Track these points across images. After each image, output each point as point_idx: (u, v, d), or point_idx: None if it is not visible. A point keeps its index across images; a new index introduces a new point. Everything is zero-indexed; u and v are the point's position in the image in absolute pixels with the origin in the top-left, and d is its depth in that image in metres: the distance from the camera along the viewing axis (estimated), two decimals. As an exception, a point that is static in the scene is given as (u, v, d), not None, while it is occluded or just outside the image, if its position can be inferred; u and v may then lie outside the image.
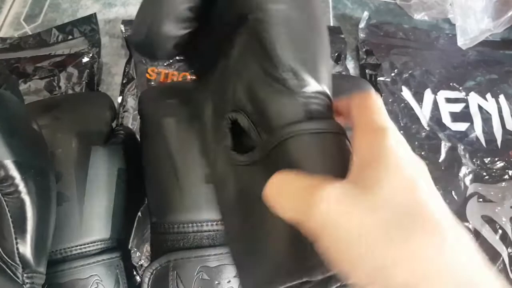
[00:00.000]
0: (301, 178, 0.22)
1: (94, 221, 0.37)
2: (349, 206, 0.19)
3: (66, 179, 0.36)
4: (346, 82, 0.45)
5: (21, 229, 0.27)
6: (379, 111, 0.23)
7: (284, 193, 0.22)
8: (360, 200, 0.19)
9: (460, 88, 0.63)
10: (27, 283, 0.28)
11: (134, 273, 0.45)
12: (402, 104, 0.61)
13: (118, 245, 0.40)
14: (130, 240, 0.47)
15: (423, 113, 0.61)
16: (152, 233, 0.40)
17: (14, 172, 0.27)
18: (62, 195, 0.36)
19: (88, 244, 0.36)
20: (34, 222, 0.28)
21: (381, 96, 0.61)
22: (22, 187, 0.27)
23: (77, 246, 0.35)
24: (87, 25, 0.61)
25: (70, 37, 0.60)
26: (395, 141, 0.21)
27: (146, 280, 0.35)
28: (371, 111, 0.23)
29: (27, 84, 0.56)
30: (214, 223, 0.36)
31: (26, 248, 0.28)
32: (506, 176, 0.58)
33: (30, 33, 0.62)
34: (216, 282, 0.35)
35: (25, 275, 0.28)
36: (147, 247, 0.49)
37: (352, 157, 0.22)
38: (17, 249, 0.27)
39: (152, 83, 0.58)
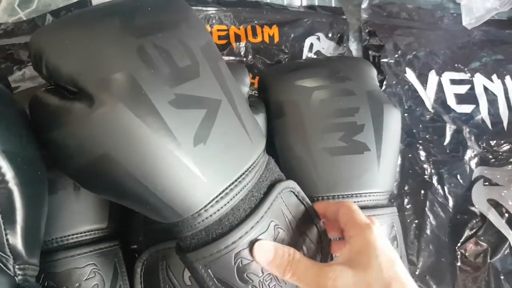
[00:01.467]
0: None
1: (91, 210, 0.36)
2: (352, 284, 0.27)
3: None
4: (345, 65, 0.44)
5: (10, 220, 0.26)
6: (360, 212, 0.31)
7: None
8: (359, 277, 0.27)
9: (465, 69, 0.62)
10: (19, 274, 0.27)
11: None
12: (406, 86, 0.60)
13: (116, 233, 0.40)
14: (129, 229, 0.46)
15: (428, 95, 0.60)
16: (143, 223, 0.39)
17: (1, 161, 0.26)
18: (57, 183, 0.35)
19: (84, 232, 0.36)
20: (24, 212, 0.27)
21: (385, 78, 0.59)
22: (9, 176, 0.26)
23: (73, 234, 0.35)
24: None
25: (64, 22, 0.59)
26: (378, 233, 0.29)
27: (138, 270, 0.35)
28: (356, 213, 0.31)
29: (22, 71, 0.55)
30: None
31: (16, 239, 0.27)
32: (513, 159, 0.56)
33: (25, 19, 0.61)
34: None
35: (16, 266, 0.27)
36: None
37: (346, 246, 0.29)
38: (7, 240, 0.26)
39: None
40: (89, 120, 0.25)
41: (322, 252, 0.32)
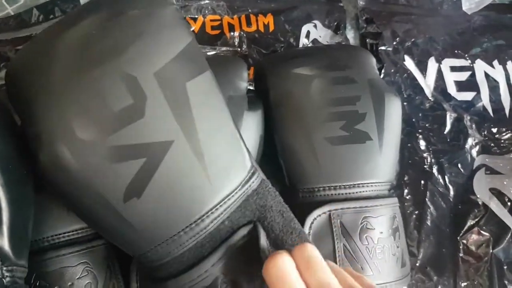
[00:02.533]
0: None
1: (82, 207, 0.35)
2: None
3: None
4: (345, 53, 0.43)
5: (-5, 221, 0.25)
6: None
7: None
8: None
9: (466, 55, 0.60)
10: (7, 276, 0.26)
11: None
12: (405, 75, 0.59)
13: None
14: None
15: (427, 83, 0.58)
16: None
17: (-17, 162, 0.25)
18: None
19: (76, 231, 0.35)
20: (10, 213, 0.26)
21: (383, 66, 0.58)
22: (-7, 177, 0.25)
23: (64, 233, 0.34)
24: (69, 3, 0.58)
25: (51, 16, 0.58)
26: None
27: (134, 268, 0.34)
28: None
29: (9, 67, 0.54)
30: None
31: (3, 241, 0.26)
32: (515, 147, 0.56)
33: (12, 14, 0.59)
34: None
35: (4, 268, 0.26)
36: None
37: None
38: (-7, 241, 0.25)
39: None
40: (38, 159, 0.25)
41: None
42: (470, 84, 0.59)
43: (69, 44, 0.25)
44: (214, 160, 0.27)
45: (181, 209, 0.27)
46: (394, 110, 0.39)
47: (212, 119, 0.27)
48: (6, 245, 0.26)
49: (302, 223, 0.33)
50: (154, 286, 0.30)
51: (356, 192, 0.36)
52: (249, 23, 0.58)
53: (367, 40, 0.61)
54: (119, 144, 0.24)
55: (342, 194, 0.36)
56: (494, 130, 0.56)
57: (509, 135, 0.56)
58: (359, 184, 0.36)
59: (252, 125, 0.37)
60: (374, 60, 0.44)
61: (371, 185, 0.37)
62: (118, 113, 0.24)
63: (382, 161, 0.37)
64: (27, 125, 0.26)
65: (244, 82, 0.39)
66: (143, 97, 0.25)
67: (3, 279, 0.26)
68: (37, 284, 0.32)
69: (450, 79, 0.59)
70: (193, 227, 0.27)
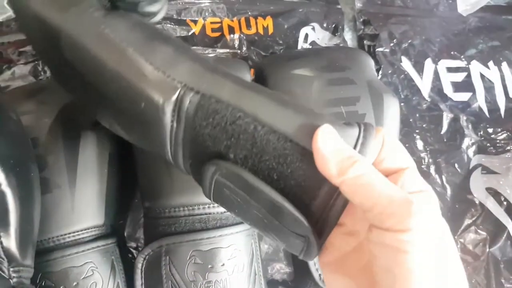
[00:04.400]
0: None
1: (87, 207, 0.36)
2: None
3: (55, 165, 0.35)
4: (344, 54, 0.43)
5: (3, 222, 0.26)
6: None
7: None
8: None
9: (462, 56, 0.61)
10: (14, 277, 0.27)
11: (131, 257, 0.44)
12: (402, 76, 0.59)
13: (113, 231, 0.39)
14: (127, 226, 0.46)
15: (424, 84, 0.59)
16: (144, 218, 0.39)
17: (-8, 164, 0.25)
18: (52, 182, 0.35)
19: (81, 231, 0.35)
20: (17, 215, 0.26)
21: (381, 67, 0.59)
22: (1, 179, 0.25)
23: (69, 233, 0.35)
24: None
25: (53, 17, 0.58)
26: (421, 258, 0.19)
27: (139, 265, 0.34)
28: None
29: (12, 70, 0.54)
30: (206, 206, 0.35)
31: (10, 242, 0.26)
32: (511, 147, 0.56)
33: (14, 16, 0.59)
34: (210, 266, 0.34)
35: (11, 269, 0.27)
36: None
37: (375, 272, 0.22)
38: (1, 243, 0.26)
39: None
40: None
41: None
42: (466, 85, 0.59)
43: None
44: None
45: None
46: (392, 110, 0.40)
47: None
48: (13, 246, 0.27)
49: None
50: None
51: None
52: (248, 26, 0.59)
53: (365, 41, 0.62)
54: None
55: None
56: (490, 130, 0.57)
57: (504, 135, 0.57)
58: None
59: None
60: (372, 62, 0.45)
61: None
62: None
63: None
64: None
65: None
66: None
67: (10, 280, 0.27)
68: (43, 284, 0.32)
69: (447, 79, 0.60)
70: None
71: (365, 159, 0.22)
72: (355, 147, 0.23)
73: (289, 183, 0.23)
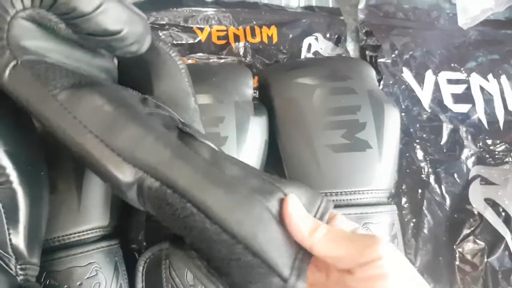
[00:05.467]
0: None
1: (93, 208, 0.36)
2: None
3: (63, 165, 0.35)
4: (346, 64, 0.44)
5: (13, 220, 0.26)
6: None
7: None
8: None
9: (462, 69, 0.62)
10: (20, 274, 0.27)
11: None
12: (403, 86, 0.60)
13: (117, 232, 0.39)
14: (130, 228, 0.46)
15: (424, 95, 0.60)
16: (147, 221, 0.39)
17: (5, 162, 0.26)
18: (60, 182, 0.35)
19: (86, 231, 0.36)
20: (27, 212, 0.27)
21: (382, 78, 0.60)
22: (13, 177, 0.26)
23: (75, 233, 0.35)
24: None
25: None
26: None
27: (140, 268, 0.35)
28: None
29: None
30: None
31: (19, 239, 0.27)
32: (509, 158, 0.57)
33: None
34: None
35: (18, 266, 0.27)
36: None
37: None
38: (10, 240, 0.26)
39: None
40: None
41: None
42: (465, 97, 0.60)
43: None
44: None
45: None
46: (393, 120, 0.41)
47: None
48: (21, 244, 0.27)
49: None
50: None
51: (356, 199, 0.37)
52: (253, 35, 0.60)
53: (367, 52, 0.63)
54: None
55: (343, 200, 0.37)
56: (489, 141, 0.58)
57: (503, 147, 0.58)
58: (359, 190, 0.37)
59: (257, 129, 0.39)
60: (373, 72, 0.45)
61: (371, 192, 0.38)
62: None
63: (382, 169, 0.38)
64: None
65: (249, 89, 0.40)
66: None
67: (17, 277, 0.27)
68: (47, 283, 0.33)
69: (447, 91, 0.60)
70: None
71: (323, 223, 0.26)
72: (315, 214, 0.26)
73: (237, 279, 0.25)
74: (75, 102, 0.26)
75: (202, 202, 0.25)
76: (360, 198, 0.37)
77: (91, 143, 0.26)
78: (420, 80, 0.61)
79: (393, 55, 0.62)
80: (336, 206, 0.37)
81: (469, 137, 0.58)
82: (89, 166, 0.27)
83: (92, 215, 0.36)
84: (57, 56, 0.27)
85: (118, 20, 0.27)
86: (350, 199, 0.37)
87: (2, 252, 0.26)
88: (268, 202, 0.26)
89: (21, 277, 0.27)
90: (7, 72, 0.25)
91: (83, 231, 0.35)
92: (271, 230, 0.25)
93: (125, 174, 0.26)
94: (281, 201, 0.26)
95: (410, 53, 0.62)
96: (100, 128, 0.26)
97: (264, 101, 0.43)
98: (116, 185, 0.26)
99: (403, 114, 0.58)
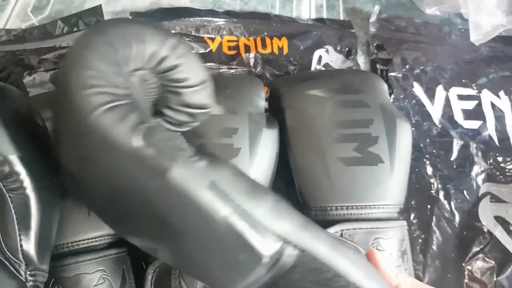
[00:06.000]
0: None
1: (101, 215, 0.36)
2: None
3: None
4: (358, 77, 0.44)
5: (25, 226, 0.26)
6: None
7: None
8: None
9: (473, 85, 0.62)
10: (30, 280, 0.27)
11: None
12: (414, 101, 0.60)
13: (125, 240, 0.39)
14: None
15: (435, 110, 0.60)
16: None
17: (19, 168, 0.26)
18: (69, 189, 0.35)
19: (95, 238, 0.36)
20: (39, 219, 0.27)
21: (393, 91, 0.60)
22: (27, 183, 0.26)
23: (84, 240, 0.35)
24: (92, 17, 0.60)
25: (75, 29, 0.59)
26: None
27: (149, 277, 0.34)
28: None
29: (32, 77, 0.55)
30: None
31: (30, 245, 0.27)
32: (520, 176, 0.56)
33: (37, 25, 0.61)
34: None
35: (28, 272, 0.27)
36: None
37: None
38: (21, 246, 0.26)
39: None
40: None
41: None
42: (476, 113, 0.60)
43: None
44: None
45: None
46: (405, 134, 0.40)
47: None
48: (32, 250, 0.27)
49: None
50: None
51: (368, 213, 0.37)
52: (264, 45, 0.60)
53: (377, 65, 0.63)
54: None
55: (354, 214, 0.37)
56: (500, 159, 0.57)
57: (514, 164, 0.57)
58: (370, 205, 0.37)
59: (269, 141, 0.39)
60: (385, 86, 0.45)
61: (382, 207, 0.37)
62: None
63: (393, 184, 0.38)
64: None
65: (262, 100, 0.40)
66: None
67: (27, 283, 0.27)
68: (55, 289, 0.33)
69: (458, 107, 0.60)
70: None
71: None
72: None
73: None
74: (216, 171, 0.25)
75: (343, 265, 0.25)
76: (371, 213, 0.37)
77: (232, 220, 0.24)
78: (431, 95, 0.61)
79: (404, 70, 0.62)
80: (346, 220, 0.37)
81: (480, 153, 0.58)
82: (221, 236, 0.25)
83: (101, 222, 0.35)
84: None
85: (212, 96, 0.30)
86: (361, 213, 0.37)
87: (13, 258, 0.26)
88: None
89: (30, 283, 0.27)
90: None
91: (92, 238, 0.35)
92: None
93: (268, 246, 0.24)
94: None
95: (421, 67, 0.62)
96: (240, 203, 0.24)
97: (275, 112, 0.43)
98: (253, 255, 0.24)
99: (413, 129, 0.58)
